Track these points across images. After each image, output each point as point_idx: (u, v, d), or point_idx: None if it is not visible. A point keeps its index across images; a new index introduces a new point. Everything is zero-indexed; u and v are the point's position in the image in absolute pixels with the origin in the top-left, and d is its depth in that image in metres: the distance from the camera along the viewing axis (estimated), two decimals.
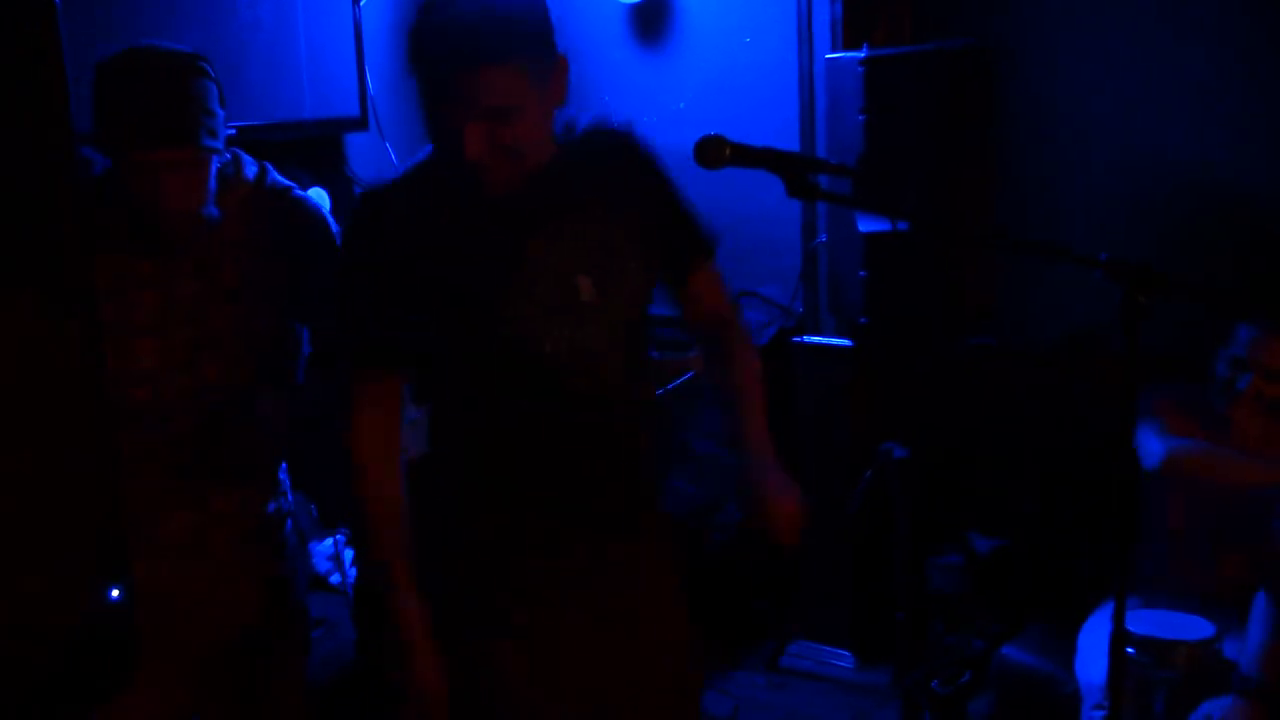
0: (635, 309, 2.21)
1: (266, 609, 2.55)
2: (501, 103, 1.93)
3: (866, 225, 3.66)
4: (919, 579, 4.13)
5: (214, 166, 2.34)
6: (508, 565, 2.16)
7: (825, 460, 4.29)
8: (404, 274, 2.06)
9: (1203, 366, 3.32)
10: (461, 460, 2.17)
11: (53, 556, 1.50)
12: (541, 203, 2.09)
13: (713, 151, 1.93)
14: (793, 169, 2.01)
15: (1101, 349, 3.89)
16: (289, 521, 2.64)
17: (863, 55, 3.66)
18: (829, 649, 4.36)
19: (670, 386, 4.17)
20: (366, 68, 4.08)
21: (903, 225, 3.48)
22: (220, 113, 2.32)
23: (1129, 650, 2.89)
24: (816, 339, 4.32)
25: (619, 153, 2.23)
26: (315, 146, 4.19)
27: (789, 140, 4.30)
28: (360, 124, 4.13)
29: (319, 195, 4.10)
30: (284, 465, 2.65)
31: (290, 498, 2.67)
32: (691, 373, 4.07)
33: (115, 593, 1.56)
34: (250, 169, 2.49)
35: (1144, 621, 2.98)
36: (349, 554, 3.68)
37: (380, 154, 4.27)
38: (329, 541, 3.80)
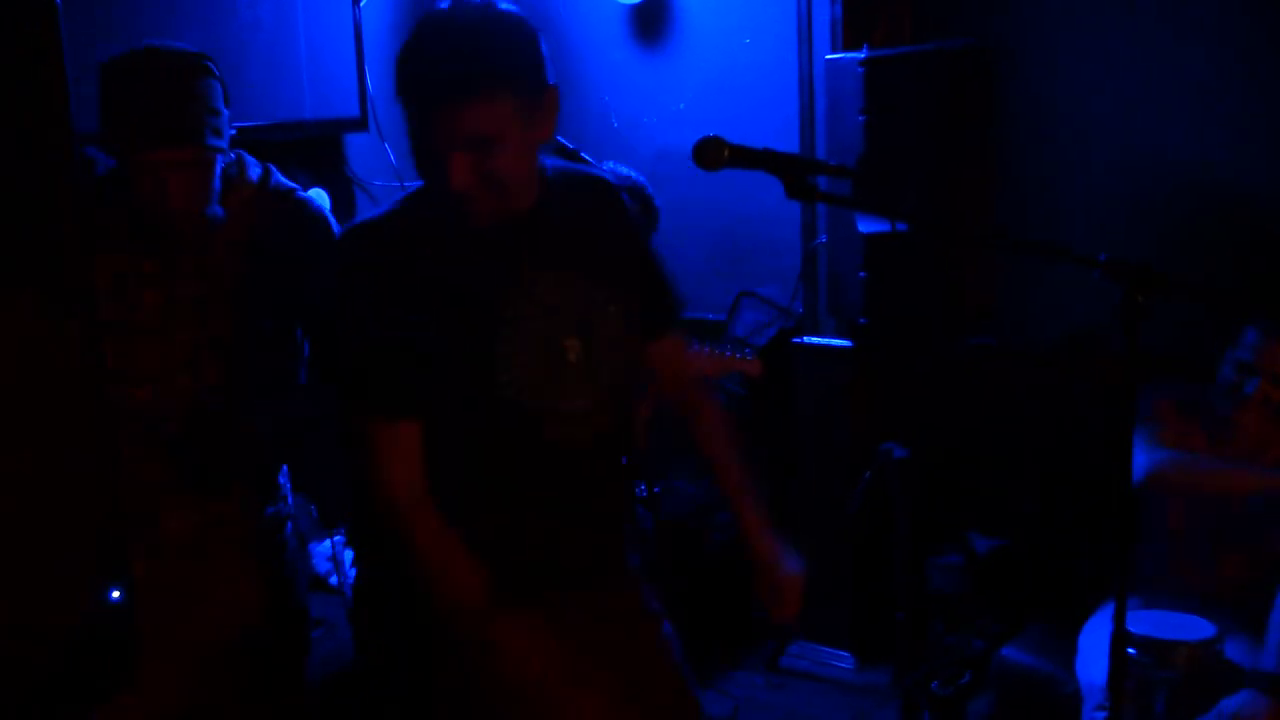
0: (622, 371, 2.21)
1: (266, 610, 2.55)
2: (487, 132, 1.93)
3: (866, 226, 3.66)
4: (919, 579, 4.12)
5: (218, 166, 2.34)
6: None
7: (825, 461, 4.29)
8: (402, 320, 2.03)
9: (1202, 366, 3.32)
10: (441, 506, 2.15)
11: (53, 556, 1.50)
12: (530, 251, 2.09)
13: (712, 152, 1.93)
14: (792, 170, 2.01)
15: (1101, 349, 3.89)
16: (289, 525, 2.64)
17: (862, 56, 3.66)
18: (829, 649, 4.36)
19: None
20: (366, 68, 4.08)
21: (902, 226, 3.49)
22: (225, 112, 2.32)
23: (1130, 651, 2.88)
24: (816, 339, 4.32)
25: (605, 207, 2.24)
26: (315, 147, 4.19)
27: (789, 141, 4.30)
28: (360, 124, 4.13)
29: (319, 196, 4.10)
30: (284, 469, 2.65)
31: (290, 501, 2.67)
32: None
33: (116, 594, 1.56)
34: (254, 170, 2.49)
35: (1145, 622, 2.98)
36: (348, 555, 3.68)
37: (380, 155, 4.28)
38: (328, 543, 3.80)
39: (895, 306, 3.74)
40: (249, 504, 2.52)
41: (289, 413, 2.54)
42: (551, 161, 2.19)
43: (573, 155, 3.37)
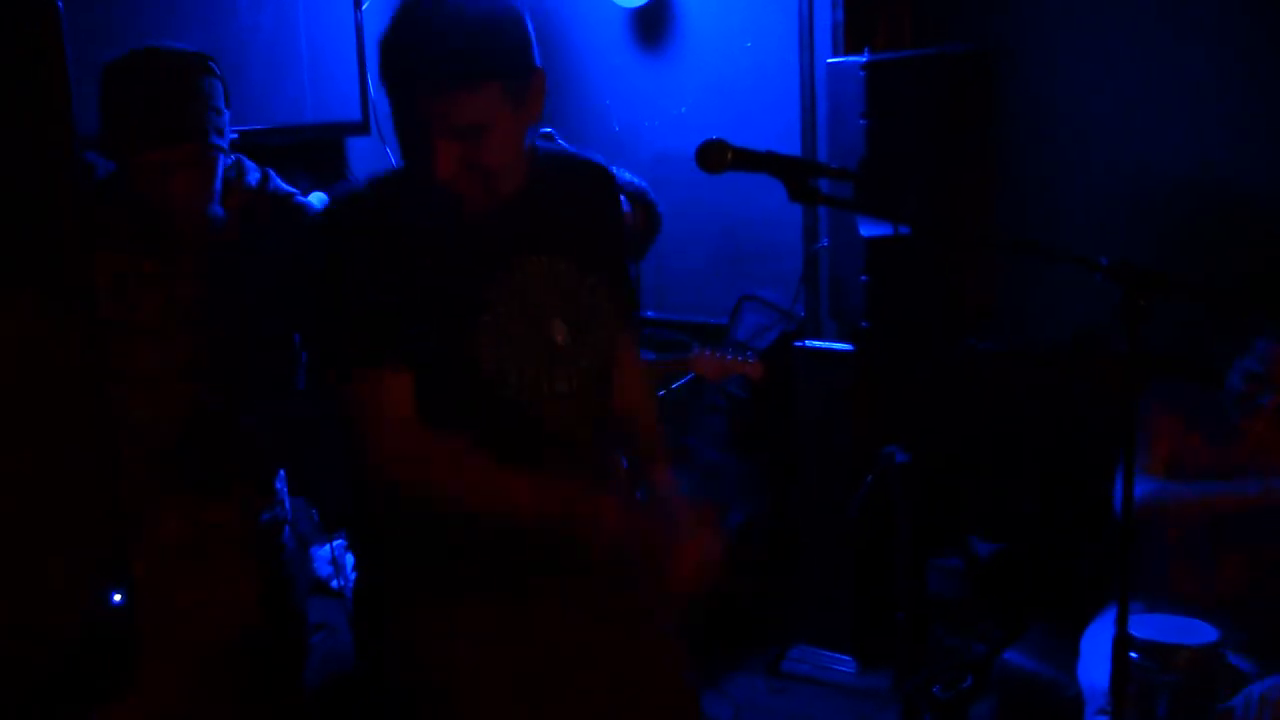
0: (606, 356, 2.21)
1: (264, 613, 2.55)
2: (474, 121, 1.91)
3: (868, 229, 3.66)
4: (920, 583, 4.12)
5: (220, 165, 2.34)
6: (461, 609, 2.14)
7: (826, 464, 4.29)
8: (385, 287, 2.00)
9: (1202, 365, 3.32)
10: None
11: (53, 556, 1.50)
12: (517, 235, 2.08)
13: (714, 156, 1.92)
14: (794, 173, 2.00)
15: (1102, 350, 3.89)
16: (286, 529, 2.64)
17: (864, 60, 3.66)
18: (830, 653, 4.35)
19: (672, 388, 4.17)
20: (368, 72, 4.08)
21: (904, 229, 3.49)
22: (226, 112, 2.33)
23: (1132, 654, 2.88)
24: (818, 343, 4.32)
25: (593, 189, 2.24)
26: (316, 150, 4.19)
27: (790, 144, 4.31)
28: (362, 128, 4.13)
29: (320, 200, 4.09)
30: (281, 474, 2.65)
31: (287, 506, 2.67)
32: (691, 374, 4.06)
33: (117, 597, 1.56)
34: (253, 175, 2.49)
35: (1147, 626, 2.98)
36: (349, 559, 3.68)
37: (381, 158, 4.27)
38: (328, 546, 3.80)
39: (897, 310, 3.75)
40: (248, 506, 2.52)
41: (287, 416, 2.54)
42: (542, 145, 2.18)
43: (546, 138, 3.38)
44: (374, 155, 4.29)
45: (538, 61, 2.00)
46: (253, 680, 2.57)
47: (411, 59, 1.91)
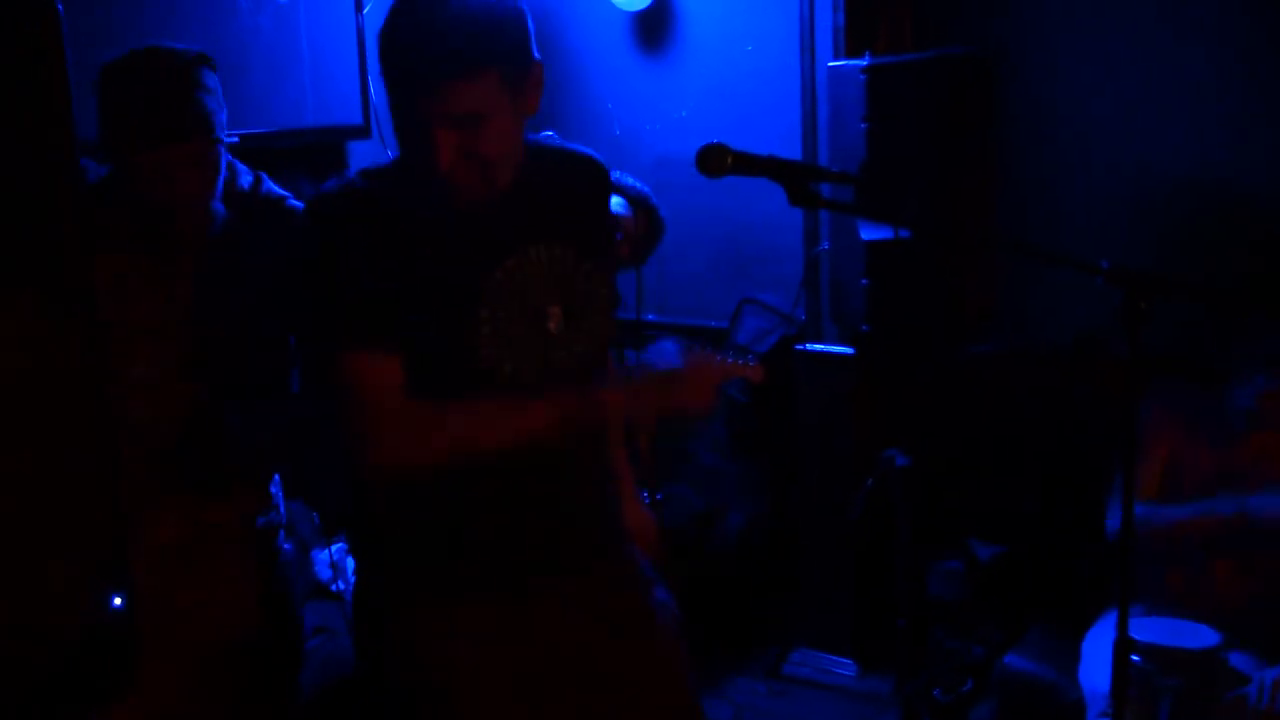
0: (600, 343, 2.21)
1: (259, 619, 2.55)
2: (472, 110, 1.92)
3: (868, 233, 3.66)
4: (920, 586, 4.12)
5: (223, 160, 2.35)
6: (461, 609, 2.14)
7: (827, 468, 4.29)
8: (378, 275, 2.00)
9: (1202, 365, 3.32)
10: (421, 486, 2.12)
11: (53, 557, 1.50)
12: (514, 223, 2.08)
13: (715, 160, 1.93)
14: (795, 177, 2.01)
15: (1103, 352, 3.89)
16: (280, 534, 2.64)
17: (864, 63, 3.66)
18: (830, 657, 4.35)
19: None
20: (369, 75, 4.08)
21: (904, 233, 3.49)
22: (225, 109, 2.34)
23: (1133, 658, 2.88)
24: (819, 346, 4.32)
25: (588, 181, 2.24)
26: (318, 154, 4.19)
27: (791, 148, 4.31)
28: (363, 132, 4.13)
29: None
30: (275, 478, 2.66)
31: (282, 510, 2.67)
32: None
33: (118, 600, 1.56)
34: (245, 178, 2.49)
35: (1148, 629, 2.98)
36: (349, 562, 3.68)
37: (383, 162, 4.27)
38: (329, 550, 3.80)
39: (897, 313, 3.74)
40: (240, 514, 2.53)
41: (281, 418, 2.54)
42: (535, 136, 2.18)
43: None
44: (376, 158, 4.29)
45: (536, 54, 2.01)
46: (252, 681, 2.57)
47: (411, 49, 1.91)
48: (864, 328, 3.78)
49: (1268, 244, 3.87)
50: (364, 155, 4.34)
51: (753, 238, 4.62)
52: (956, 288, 3.73)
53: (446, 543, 2.12)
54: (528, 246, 2.09)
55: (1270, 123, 3.88)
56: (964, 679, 3.87)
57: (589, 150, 2.29)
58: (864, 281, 3.72)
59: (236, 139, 2.41)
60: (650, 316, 4.80)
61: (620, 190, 3.70)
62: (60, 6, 1.45)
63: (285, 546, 2.65)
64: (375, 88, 4.12)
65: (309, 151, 4.11)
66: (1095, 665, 3.13)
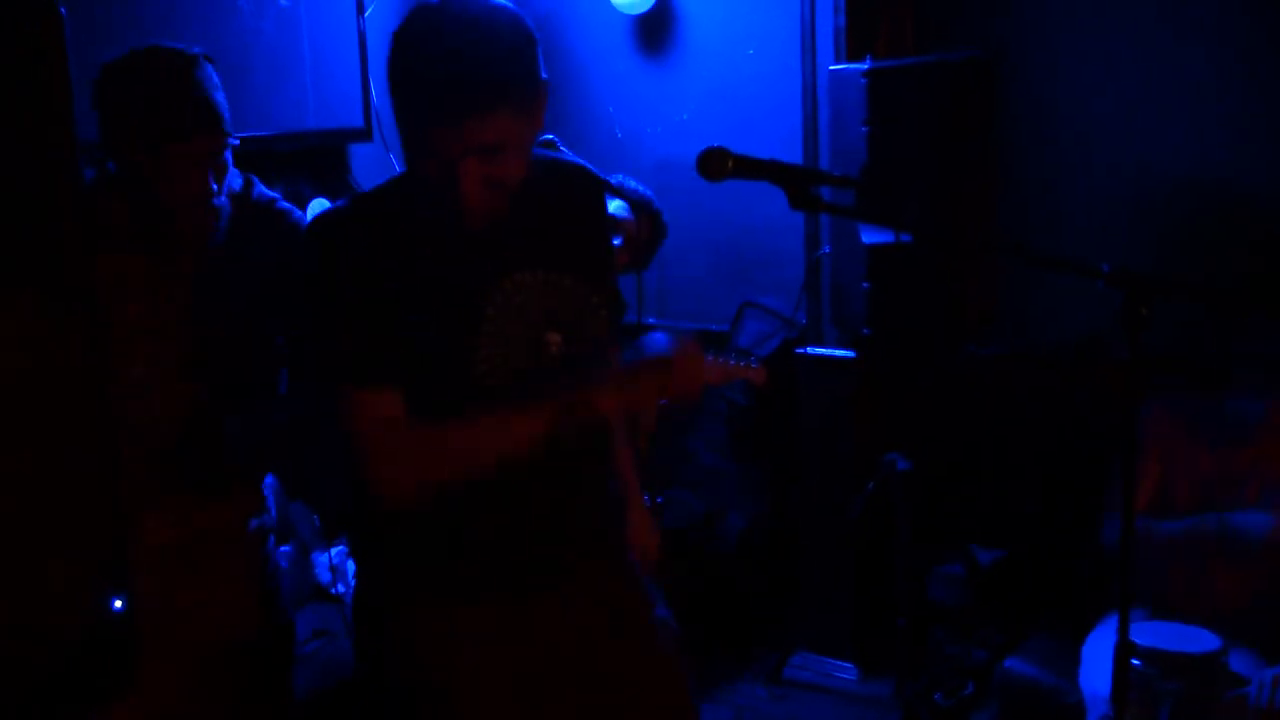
0: (601, 363, 2.20)
1: (250, 622, 2.55)
2: (497, 141, 1.92)
3: (869, 237, 3.66)
4: (921, 590, 4.12)
5: (228, 157, 2.37)
6: (461, 610, 2.14)
7: (828, 471, 4.29)
8: (379, 305, 2.00)
9: (1202, 366, 3.33)
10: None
11: (53, 557, 1.50)
12: (514, 249, 2.08)
13: (716, 163, 1.92)
14: (795, 180, 2.00)
15: (1104, 355, 3.89)
16: (270, 538, 2.65)
17: (866, 67, 3.66)
18: (831, 660, 4.35)
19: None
20: (371, 78, 4.08)
21: (905, 236, 3.49)
22: (227, 107, 2.35)
23: (1134, 662, 2.88)
24: (820, 350, 4.31)
25: (582, 194, 2.24)
26: (319, 157, 4.20)
27: (792, 151, 4.31)
28: (364, 135, 4.13)
29: (321, 207, 4.10)
30: (267, 481, 2.66)
31: (273, 514, 2.67)
32: None
33: (118, 603, 1.56)
34: (236, 180, 2.50)
35: (1149, 633, 2.98)
36: (350, 565, 3.68)
37: (384, 165, 4.28)
38: (328, 553, 3.80)
39: (898, 317, 3.75)
40: (233, 516, 2.53)
41: (280, 418, 2.55)
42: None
43: (549, 145, 3.39)
44: (377, 162, 4.30)
45: (544, 74, 2.00)
46: (252, 681, 2.58)
47: (434, 82, 1.88)
48: (865, 331, 3.78)
49: (1268, 244, 3.87)
50: (365, 158, 4.34)
51: (754, 241, 4.62)
52: (957, 291, 3.73)
53: (446, 543, 2.12)
54: (527, 272, 2.09)
55: (1270, 123, 3.89)
56: (965, 683, 3.87)
57: (581, 161, 2.28)
58: (865, 285, 3.72)
59: (237, 141, 2.41)
60: (651, 320, 4.80)
61: (622, 194, 3.70)
62: (63, 10, 1.45)
63: (284, 548, 2.65)
64: (376, 91, 4.12)
65: (310, 154, 4.12)
66: (1096, 669, 3.13)
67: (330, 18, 3.96)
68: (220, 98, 2.31)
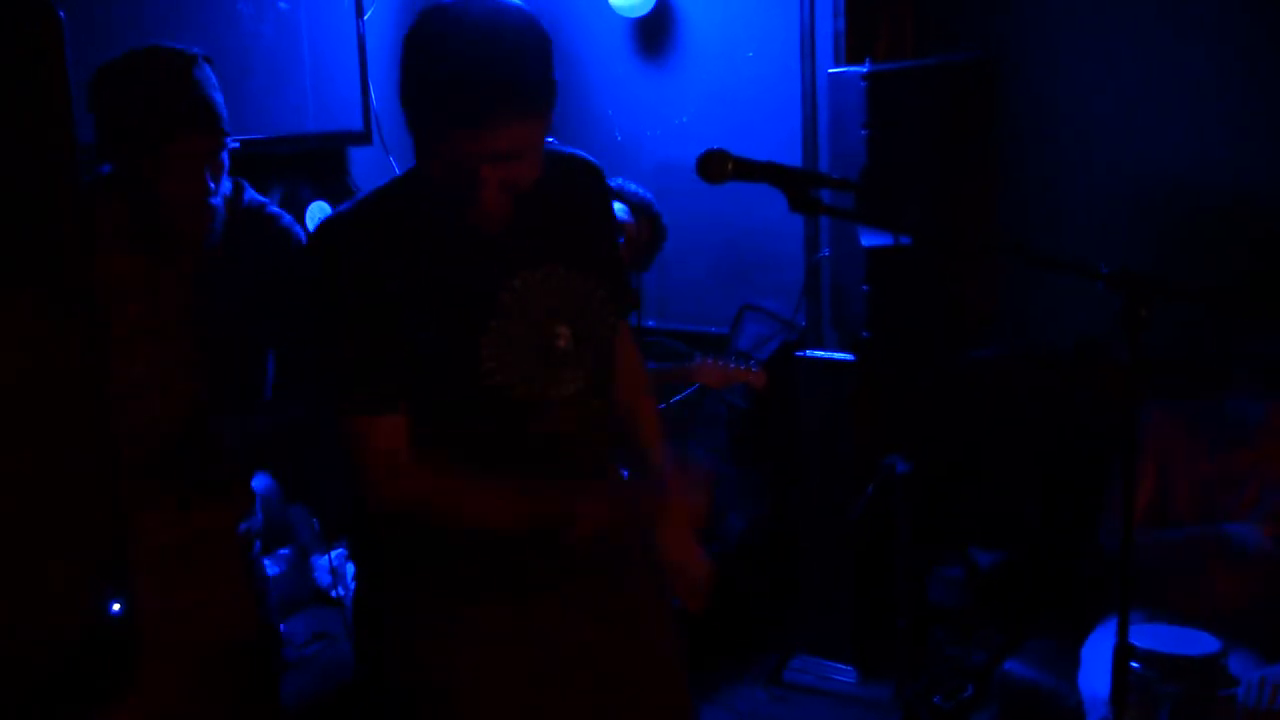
0: (608, 358, 2.22)
1: (249, 623, 2.56)
2: (516, 147, 1.92)
3: (869, 239, 3.66)
4: (921, 592, 4.12)
5: (226, 157, 2.37)
6: (461, 610, 2.15)
7: (828, 474, 4.29)
8: (384, 312, 2.01)
9: (1202, 366, 3.33)
10: None
11: (53, 557, 1.50)
12: (521, 246, 2.08)
13: (715, 166, 1.92)
14: (795, 183, 2.00)
15: (1104, 357, 3.90)
16: (257, 544, 2.65)
17: (865, 70, 3.66)
18: (831, 663, 4.35)
19: (674, 400, 4.17)
20: (370, 81, 4.09)
21: (905, 239, 3.49)
22: (226, 107, 2.35)
23: (1133, 664, 2.88)
24: (819, 353, 4.32)
25: (584, 185, 2.24)
26: (318, 160, 4.20)
27: (792, 154, 4.31)
28: (364, 138, 4.14)
29: (320, 209, 4.11)
30: (256, 486, 2.67)
31: (260, 518, 2.67)
32: (696, 385, 4.07)
33: (117, 606, 1.55)
34: (226, 185, 2.50)
35: (1148, 635, 2.98)
36: (349, 568, 3.68)
37: (384, 168, 4.28)
38: (328, 556, 3.80)
39: (898, 319, 3.75)
40: (225, 520, 2.53)
41: (280, 419, 2.55)
42: None
43: None
44: (376, 165, 4.30)
45: (555, 73, 2.00)
46: (252, 681, 2.58)
47: (454, 91, 1.87)
48: (865, 334, 3.78)
49: (1268, 244, 3.88)
50: (364, 161, 4.35)
51: (753, 244, 4.63)
52: (957, 293, 3.73)
53: (446, 543, 2.12)
54: (534, 268, 2.09)
55: (1270, 122, 3.89)
56: (964, 685, 3.86)
57: (581, 152, 2.28)
58: (864, 287, 3.72)
59: (236, 143, 2.41)
60: (650, 323, 4.80)
61: (622, 196, 3.71)
62: (61, 13, 1.45)
63: (283, 551, 2.65)
64: (376, 94, 4.13)
65: (310, 157, 4.12)
66: (1095, 671, 3.13)
67: (330, 21, 3.96)
68: (219, 98, 2.32)
